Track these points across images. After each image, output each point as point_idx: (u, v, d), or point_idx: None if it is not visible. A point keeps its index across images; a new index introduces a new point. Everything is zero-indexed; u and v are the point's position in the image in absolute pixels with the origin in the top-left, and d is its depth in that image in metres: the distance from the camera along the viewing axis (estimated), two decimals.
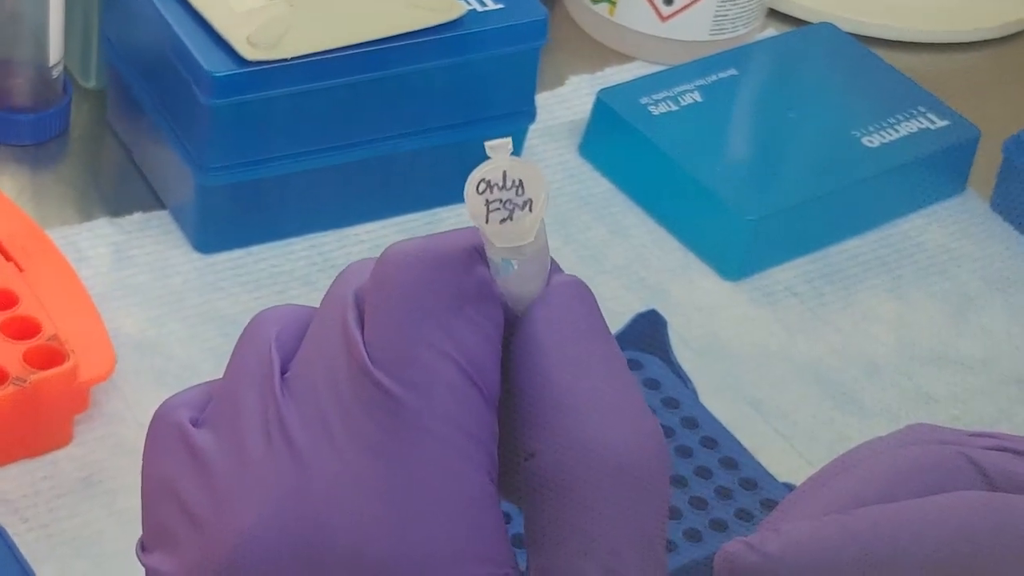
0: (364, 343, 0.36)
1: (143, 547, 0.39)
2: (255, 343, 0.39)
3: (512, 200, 0.36)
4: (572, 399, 0.36)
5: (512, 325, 0.37)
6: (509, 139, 0.35)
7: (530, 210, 0.36)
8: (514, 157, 0.36)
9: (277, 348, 0.38)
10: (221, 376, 0.40)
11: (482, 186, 0.36)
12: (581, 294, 0.37)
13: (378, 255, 0.44)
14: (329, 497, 0.36)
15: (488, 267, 0.36)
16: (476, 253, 0.36)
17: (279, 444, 0.36)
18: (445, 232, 0.37)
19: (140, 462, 0.61)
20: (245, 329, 0.39)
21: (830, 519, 0.46)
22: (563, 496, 0.36)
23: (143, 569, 0.39)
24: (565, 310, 0.37)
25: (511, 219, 0.36)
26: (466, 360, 0.36)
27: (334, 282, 0.38)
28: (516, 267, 0.37)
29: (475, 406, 0.36)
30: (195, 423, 0.38)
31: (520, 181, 0.36)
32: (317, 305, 0.39)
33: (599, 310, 0.37)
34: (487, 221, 0.35)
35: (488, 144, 0.36)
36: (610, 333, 0.37)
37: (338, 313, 0.37)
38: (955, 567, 0.48)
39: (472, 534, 0.36)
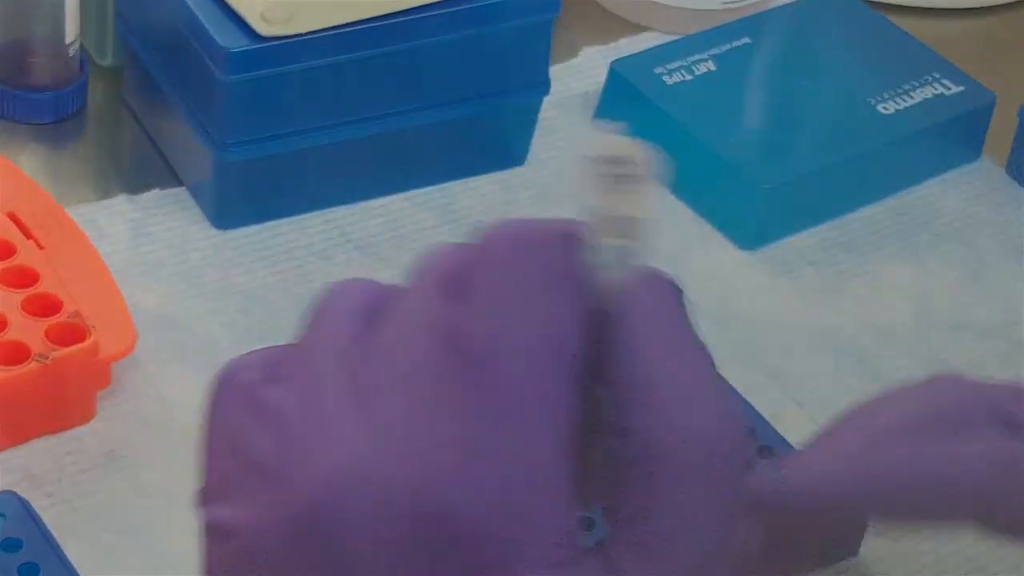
0: (453, 314, 0.37)
1: (202, 500, 0.40)
2: (335, 310, 0.40)
3: (622, 177, 0.37)
4: (667, 382, 0.38)
5: (604, 309, 0.38)
6: (624, 124, 0.37)
7: (640, 190, 0.37)
8: (626, 137, 0.37)
9: (360, 314, 0.39)
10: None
11: (594, 163, 0.37)
12: (670, 283, 0.39)
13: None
14: (406, 450, 0.37)
15: (584, 250, 0.37)
16: (574, 236, 0.37)
17: (357, 398, 0.38)
18: (545, 219, 0.39)
19: (163, 436, 0.63)
20: (321, 298, 0.40)
21: (854, 460, 0.48)
22: (657, 474, 0.37)
23: (198, 524, 0.40)
24: (657, 297, 0.39)
25: (621, 196, 0.37)
26: (555, 338, 0.37)
27: (420, 259, 0.39)
28: (613, 250, 0.38)
29: (560, 382, 0.37)
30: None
31: (631, 159, 0.37)
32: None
33: (684, 298, 0.39)
34: (597, 198, 0.37)
35: (599, 124, 0.37)
36: (691, 321, 0.39)
37: (427, 285, 0.38)
38: (973, 516, 0.49)
39: (541, 502, 0.37)
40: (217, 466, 0.40)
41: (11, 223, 0.64)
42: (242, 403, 0.40)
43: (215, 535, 0.39)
